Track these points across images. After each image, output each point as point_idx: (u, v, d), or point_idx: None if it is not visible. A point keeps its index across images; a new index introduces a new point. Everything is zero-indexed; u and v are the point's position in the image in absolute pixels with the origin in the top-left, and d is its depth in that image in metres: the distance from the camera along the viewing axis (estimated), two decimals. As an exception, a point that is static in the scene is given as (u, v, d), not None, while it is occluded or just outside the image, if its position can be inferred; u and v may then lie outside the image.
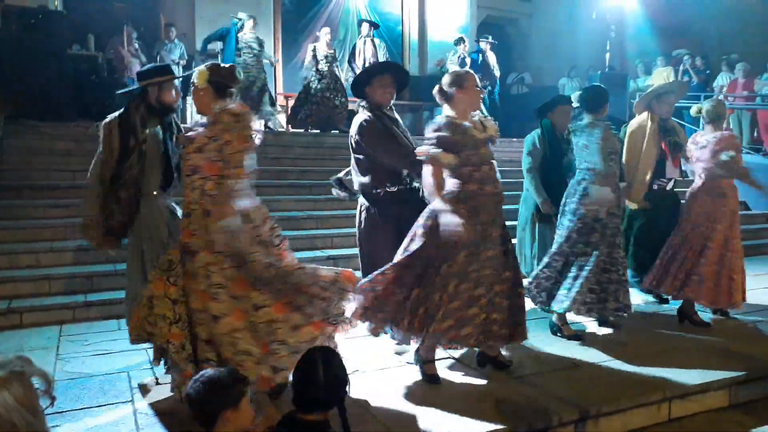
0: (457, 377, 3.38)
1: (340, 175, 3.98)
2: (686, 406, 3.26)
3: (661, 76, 11.01)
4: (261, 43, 8.84)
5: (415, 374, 3.40)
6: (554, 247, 4.09)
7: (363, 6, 11.82)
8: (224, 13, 9.31)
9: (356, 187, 3.80)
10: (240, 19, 8.78)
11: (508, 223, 3.44)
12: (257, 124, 3.21)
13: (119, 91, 3.44)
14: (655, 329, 4.30)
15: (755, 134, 9.98)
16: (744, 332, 4.31)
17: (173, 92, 3.40)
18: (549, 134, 4.67)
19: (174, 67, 9.16)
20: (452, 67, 10.07)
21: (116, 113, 3.38)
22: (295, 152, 8.03)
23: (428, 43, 12.22)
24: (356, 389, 3.03)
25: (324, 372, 2.14)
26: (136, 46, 9.17)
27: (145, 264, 3.36)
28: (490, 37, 10.69)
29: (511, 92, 12.31)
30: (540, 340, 3.97)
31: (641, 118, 4.82)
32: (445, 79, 3.33)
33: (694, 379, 3.37)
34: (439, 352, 3.69)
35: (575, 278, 3.94)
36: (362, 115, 3.74)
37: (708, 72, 10.76)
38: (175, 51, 9.32)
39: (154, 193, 3.39)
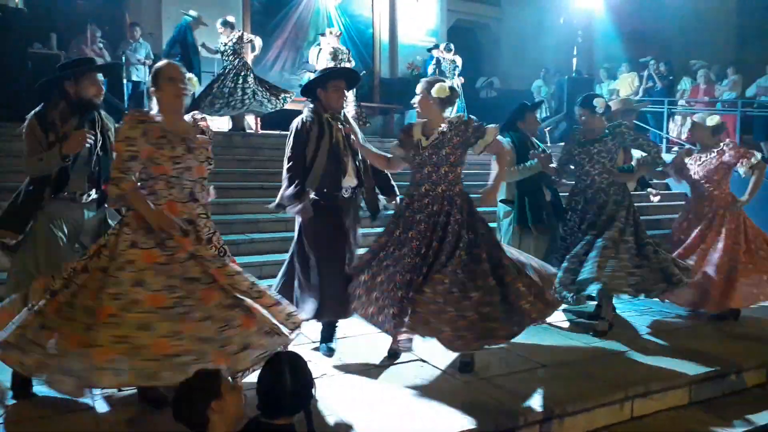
0: (425, 380, 3.38)
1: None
2: (648, 405, 3.33)
3: (626, 81, 11.25)
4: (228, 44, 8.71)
5: (381, 378, 3.40)
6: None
7: (333, 8, 11.80)
8: (191, 13, 9.19)
9: None
10: (192, 17, 8.60)
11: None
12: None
13: (38, 83, 3.22)
14: (616, 329, 4.38)
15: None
16: (705, 332, 4.42)
17: (93, 86, 3.15)
18: (519, 143, 4.56)
19: (140, 67, 9.09)
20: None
21: (34, 110, 3.14)
22: (264, 154, 7.95)
23: (399, 46, 12.26)
24: (323, 393, 3.02)
25: (291, 376, 2.13)
26: (100, 45, 8.98)
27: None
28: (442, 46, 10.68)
29: (480, 96, 12.43)
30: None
31: None
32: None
33: (656, 378, 3.45)
34: (407, 355, 3.72)
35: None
36: (302, 115, 3.76)
37: (671, 78, 11.02)
38: (140, 50, 9.15)
39: (65, 194, 3.12)
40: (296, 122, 3.74)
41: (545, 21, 13.45)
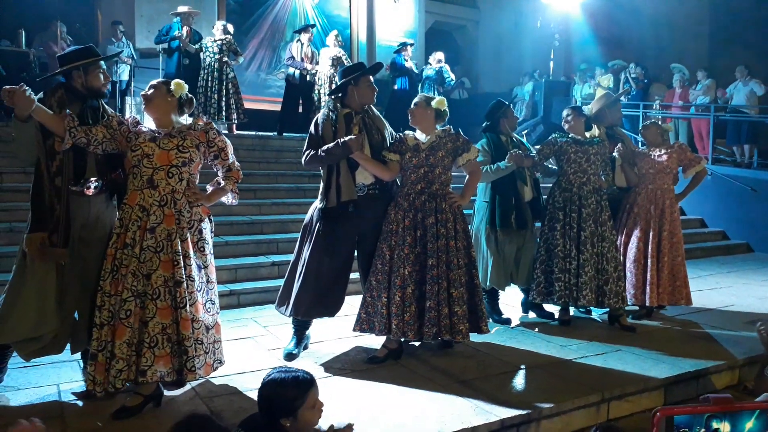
0: (402, 383, 3.36)
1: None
2: (623, 407, 3.35)
3: (603, 83, 11.36)
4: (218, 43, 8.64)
5: (358, 380, 3.37)
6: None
7: (310, 8, 11.74)
8: (165, 12, 9.04)
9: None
10: (179, 14, 8.49)
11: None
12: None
13: (39, 78, 3.16)
14: (592, 332, 4.41)
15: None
16: (677, 334, 4.47)
17: (101, 76, 3.14)
18: (496, 142, 4.56)
19: (122, 66, 8.94)
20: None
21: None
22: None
23: (377, 46, 12.23)
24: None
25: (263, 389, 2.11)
26: (68, 42, 8.79)
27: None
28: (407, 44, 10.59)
29: (451, 97, 12.43)
30: (485, 345, 4.00)
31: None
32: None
33: (631, 380, 3.47)
34: (383, 357, 3.69)
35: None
36: (320, 113, 3.84)
37: (646, 81, 11.16)
38: (124, 50, 8.99)
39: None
40: (316, 119, 3.84)
41: (522, 23, 13.52)
